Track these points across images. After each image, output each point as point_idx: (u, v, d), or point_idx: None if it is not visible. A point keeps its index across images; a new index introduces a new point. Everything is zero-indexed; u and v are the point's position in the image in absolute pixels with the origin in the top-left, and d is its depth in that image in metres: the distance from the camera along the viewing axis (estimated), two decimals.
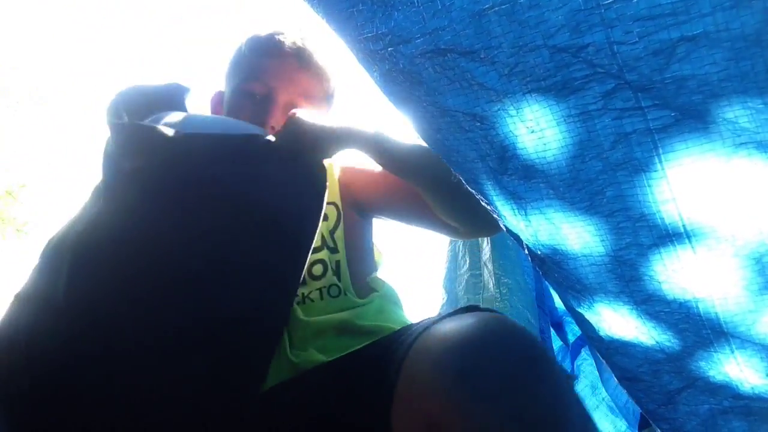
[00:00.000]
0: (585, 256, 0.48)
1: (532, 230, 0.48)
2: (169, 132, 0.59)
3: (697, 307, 0.47)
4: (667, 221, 0.42)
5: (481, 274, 1.24)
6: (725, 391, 0.52)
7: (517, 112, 0.41)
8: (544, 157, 0.43)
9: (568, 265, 0.50)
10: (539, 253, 0.50)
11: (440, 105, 0.44)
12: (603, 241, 0.47)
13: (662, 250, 0.45)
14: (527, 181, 0.46)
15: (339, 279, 0.67)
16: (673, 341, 0.51)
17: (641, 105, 0.37)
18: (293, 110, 0.66)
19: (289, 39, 0.75)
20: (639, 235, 0.45)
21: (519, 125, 0.42)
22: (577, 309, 0.51)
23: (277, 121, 0.71)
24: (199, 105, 0.76)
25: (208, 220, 0.56)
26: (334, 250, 0.69)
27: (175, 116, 0.64)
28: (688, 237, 0.42)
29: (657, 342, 0.52)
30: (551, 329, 1.24)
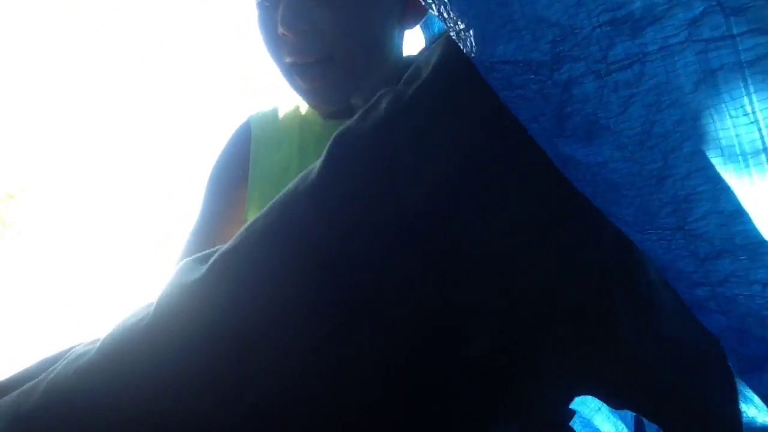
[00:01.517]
0: (654, 229, 0.42)
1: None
2: None
3: None
4: (757, 179, 0.36)
5: None
6: None
7: (583, 53, 0.35)
8: (612, 110, 0.37)
9: (632, 240, 0.44)
10: None
11: (487, 57, 0.39)
12: (675, 210, 0.41)
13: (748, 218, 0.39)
14: (588, 142, 0.40)
15: None
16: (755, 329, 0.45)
17: (733, 33, 0.32)
18: None
19: None
20: (719, 201, 0.39)
21: (583, 70, 0.36)
22: None
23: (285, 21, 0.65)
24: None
25: None
26: None
27: None
28: None
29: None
30: None
